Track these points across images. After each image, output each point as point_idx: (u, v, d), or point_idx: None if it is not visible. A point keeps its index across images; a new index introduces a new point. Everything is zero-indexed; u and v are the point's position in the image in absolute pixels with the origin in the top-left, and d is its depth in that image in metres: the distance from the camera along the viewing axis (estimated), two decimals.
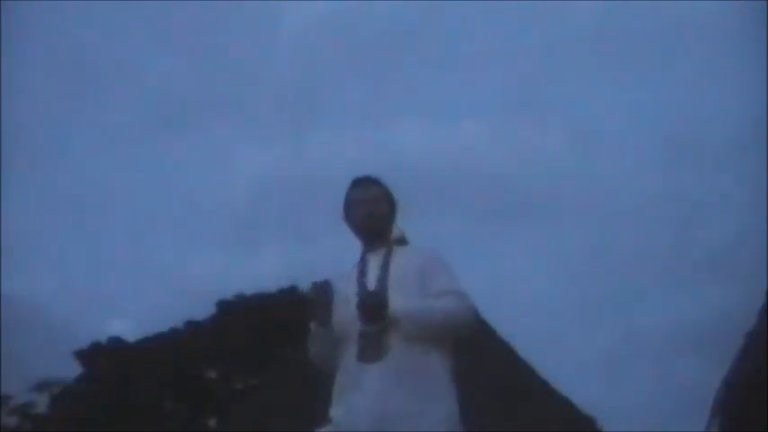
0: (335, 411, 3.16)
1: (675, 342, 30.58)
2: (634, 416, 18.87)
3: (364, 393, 3.08)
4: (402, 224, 3.50)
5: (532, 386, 12.78)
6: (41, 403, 25.14)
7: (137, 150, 43.82)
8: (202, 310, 25.25)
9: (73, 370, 25.32)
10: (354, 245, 3.45)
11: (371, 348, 3.12)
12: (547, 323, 29.12)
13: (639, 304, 32.98)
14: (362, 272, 3.31)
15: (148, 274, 37.90)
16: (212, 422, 24.37)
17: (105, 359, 25.22)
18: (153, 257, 37.87)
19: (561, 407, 12.79)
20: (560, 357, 22.33)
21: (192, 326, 25.27)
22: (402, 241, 3.51)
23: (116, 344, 25.60)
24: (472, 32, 43.67)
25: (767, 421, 3.59)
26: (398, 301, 3.14)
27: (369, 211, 3.40)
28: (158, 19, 40.83)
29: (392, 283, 3.22)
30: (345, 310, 3.18)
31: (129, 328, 37.27)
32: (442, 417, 3.08)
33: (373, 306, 3.13)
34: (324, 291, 3.23)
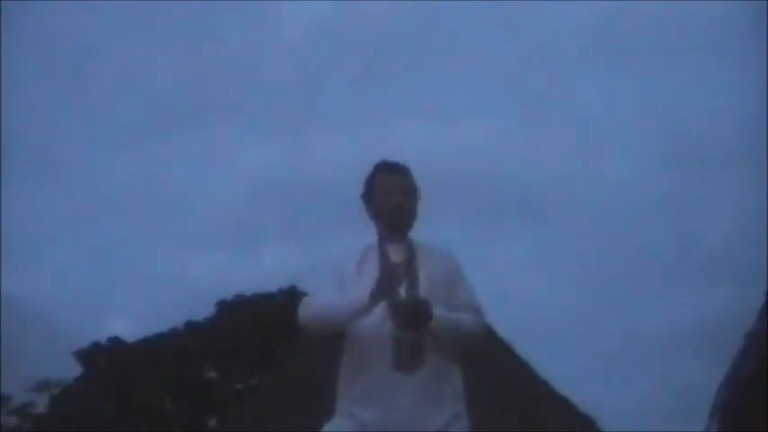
0: (364, 414, 3.00)
1: (675, 342, 30.56)
2: (634, 416, 18.91)
3: (402, 403, 2.97)
4: None
5: (532, 386, 12.77)
6: (41, 403, 25.20)
7: (136, 150, 43.77)
8: (202, 310, 25.35)
9: (73, 370, 25.40)
10: (355, 244, 3.30)
11: (409, 357, 2.99)
12: (547, 323, 29.21)
13: (639, 304, 32.99)
14: None
15: (148, 274, 37.96)
16: (212, 422, 24.39)
17: (105, 359, 25.26)
18: (153, 257, 37.85)
19: (561, 407, 12.78)
20: (560, 357, 22.36)
21: (192, 326, 25.30)
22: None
23: (116, 344, 25.63)
24: (472, 32, 43.65)
25: (767, 421, 3.60)
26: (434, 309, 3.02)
27: (400, 203, 3.21)
28: (158, 19, 40.85)
29: (422, 288, 3.09)
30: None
31: (129, 328, 37.30)
32: (465, 428, 3.08)
33: (422, 315, 2.98)
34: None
